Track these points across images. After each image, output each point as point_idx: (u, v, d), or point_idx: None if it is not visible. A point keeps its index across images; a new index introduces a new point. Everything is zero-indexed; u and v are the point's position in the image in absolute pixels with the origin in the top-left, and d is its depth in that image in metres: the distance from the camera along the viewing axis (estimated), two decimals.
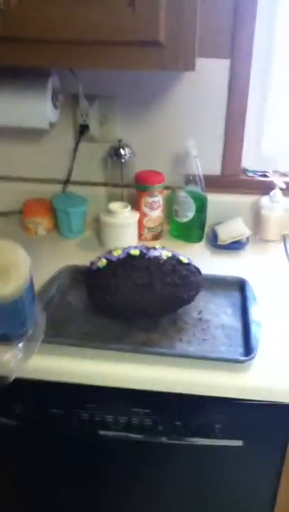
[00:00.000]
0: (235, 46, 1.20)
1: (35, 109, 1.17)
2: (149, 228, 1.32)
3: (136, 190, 1.29)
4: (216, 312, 1.02)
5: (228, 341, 0.93)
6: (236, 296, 1.07)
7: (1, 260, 0.68)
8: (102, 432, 0.91)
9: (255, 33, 1.19)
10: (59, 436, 0.95)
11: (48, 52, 0.95)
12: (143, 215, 1.29)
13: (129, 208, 1.25)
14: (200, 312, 1.01)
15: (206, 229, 1.33)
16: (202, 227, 1.32)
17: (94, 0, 0.88)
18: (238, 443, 0.89)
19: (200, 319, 0.99)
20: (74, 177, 1.36)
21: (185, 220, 1.30)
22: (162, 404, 0.89)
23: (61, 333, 0.93)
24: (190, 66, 0.95)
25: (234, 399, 0.85)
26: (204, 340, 0.93)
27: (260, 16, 1.17)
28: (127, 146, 1.29)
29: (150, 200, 1.28)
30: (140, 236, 1.31)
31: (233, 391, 0.85)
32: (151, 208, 1.29)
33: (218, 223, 1.33)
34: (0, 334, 0.74)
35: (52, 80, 1.19)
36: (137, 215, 1.27)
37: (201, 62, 1.17)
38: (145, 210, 1.29)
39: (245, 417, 0.88)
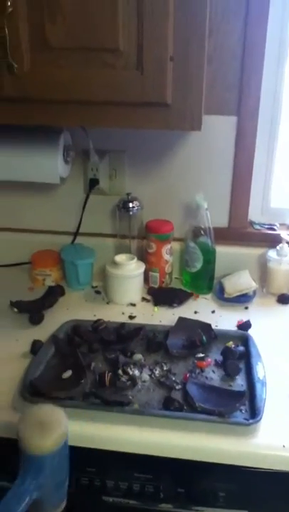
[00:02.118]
0: (242, 104, 1.24)
1: (47, 165, 1.20)
2: (169, 274, 1.33)
3: (151, 240, 1.30)
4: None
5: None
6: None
7: (45, 418, 0.75)
8: (102, 498, 0.87)
9: (262, 90, 1.22)
10: None
11: (59, 112, 0.98)
12: (165, 262, 1.31)
13: (135, 259, 1.26)
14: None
15: (214, 280, 1.32)
16: (211, 278, 1.32)
17: (103, 62, 0.93)
18: None
19: (205, 377, 0.97)
20: (83, 228, 1.38)
21: (194, 270, 1.30)
22: (164, 469, 0.86)
23: (64, 393, 0.90)
24: (196, 126, 0.98)
25: (239, 466, 0.82)
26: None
27: (266, 74, 1.21)
28: (136, 199, 1.32)
29: (169, 246, 1.30)
30: (161, 283, 1.32)
31: (238, 458, 0.82)
32: (170, 254, 1.32)
33: (226, 275, 1.32)
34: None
35: (63, 137, 1.23)
36: (142, 267, 1.27)
37: (208, 119, 1.21)
38: (166, 256, 1.31)
39: (251, 486, 0.84)
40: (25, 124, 1.06)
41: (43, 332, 1.11)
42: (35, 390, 0.91)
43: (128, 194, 1.32)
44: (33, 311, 1.18)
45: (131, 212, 1.31)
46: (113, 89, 0.94)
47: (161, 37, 0.90)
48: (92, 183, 1.34)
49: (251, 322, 1.15)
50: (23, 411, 0.78)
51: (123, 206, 1.32)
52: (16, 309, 1.19)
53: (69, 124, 1.22)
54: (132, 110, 0.96)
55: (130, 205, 1.31)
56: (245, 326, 1.14)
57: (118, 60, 0.92)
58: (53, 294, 1.25)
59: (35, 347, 1.05)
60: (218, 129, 1.26)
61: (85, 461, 0.88)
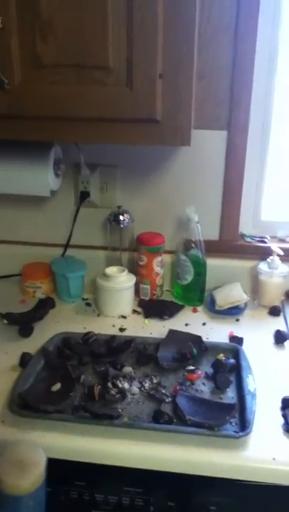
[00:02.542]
0: (232, 118, 1.25)
1: (38, 178, 1.21)
2: (160, 286, 1.33)
3: (142, 253, 1.30)
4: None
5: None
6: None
7: (25, 457, 0.74)
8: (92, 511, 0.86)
9: (252, 105, 1.24)
10: None
11: (50, 128, 1.00)
12: (156, 274, 1.31)
13: (126, 272, 1.26)
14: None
15: (206, 293, 1.33)
16: (202, 290, 1.32)
17: (94, 79, 0.94)
18: None
19: (196, 390, 0.97)
20: (74, 241, 1.39)
21: (185, 282, 1.31)
22: (155, 483, 0.85)
23: (53, 407, 0.89)
24: (186, 141, 0.99)
25: (230, 479, 0.81)
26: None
27: (256, 88, 1.23)
28: (127, 211, 1.32)
29: (160, 258, 1.31)
30: (152, 295, 1.32)
31: (229, 471, 0.81)
32: (161, 267, 1.32)
33: (217, 287, 1.32)
34: None
35: (54, 151, 1.23)
36: (133, 280, 1.27)
37: (199, 134, 1.23)
38: (157, 269, 1.31)
39: (242, 499, 0.84)
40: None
41: (32, 344, 1.10)
42: (24, 403, 0.90)
43: (119, 207, 1.33)
44: (23, 323, 1.17)
45: (122, 225, 1.32)
46: (104, 106, 0.95)
47: (151, 55, 0.92)
48: (83, 196, 1.35)
49: (242, 334, 1.16)
50: (3, 447, 0.76)
51: (114, 219, 1.32)
52: (5, 321, 1.18)
53: (61, 141, 1.23)
54: (122, 126, 0.98)
55: (121, 217, 1.31)
56: (237, 341, 1.14)
57: (108, 77, 0.94)
58: (44, 307, 1.25)
59: (25, 359, 1.04)
60: (208, 144, 1.28)
61: (74, 475, 0.87)
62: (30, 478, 0.71)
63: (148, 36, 0.90)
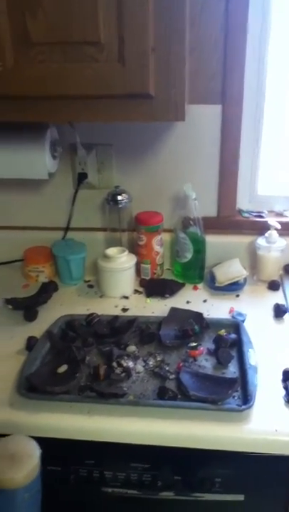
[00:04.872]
0: (226, 92, 1.24)
1: (35, 161, 1.20)
2: (160, 265, 1.34)
3: (141, 232, 1.30)
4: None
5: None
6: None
7: (17, 450, 0.74)
8: (101, 489, 0.89)
9: (245, 77, 1.22)
10: (57, 494, 0.92)
11: (44, 108, 0.99)
12: (156, 254, 1.32)
13: (126, 252, 1.27)
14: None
15: (205, 270, 1.34)
16: (201, 267, 1.33)
17: (85, 56, 0.93)
18: (240, 497, 0.86)
19: (199, 366, 0.99)
20: (73, 223, 1.39)
21: (184, 260, 1.32)
22: (161, 458, 0.87)
23: (60, 388, 0.91)
24: (180, 117, 0.98)
25: (234, 452, 0.84)
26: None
27: (249, 60, 1.21)
28: (124, 191, 1.32)
29: (159, 237, 1.31)
30: (153, 274, 1.33)
31: (233, 444, 0.84)
32: (161, 246, 1.33)
33: (217, 264, 1.33)
34: None
35: (50, 132, 1.23)
36: (134, 260, 1.28)
37: (193, 109, 1.21)
38: (157, 248, 1.31)
39: (246, 471, 0.86)
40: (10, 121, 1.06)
41: (37, 328, 1.12)
42: (31, 385, 0.92)
43: (116, 187, 1.32)
44: (28, 307, 1.19)
45: (120, 205, 1.32)
46: (96, 83, 0.94)
47: (142, 28, 0.89)
48: (81, 178, 1.34)
49: (242, 310, 1.17)
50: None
51: (112, 199, 1.32)
52: (10, 306, 1.20)
53: (55, 121, 1.22)
54: (115, 103, 0.96)
55: (119, 198, 1.31)
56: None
57: (100, 53, 0.92)
58: (47, 290, 1.26)
59: (30, 343, 1.06)
60: (203, 119, 1.26)
61: (83, 454, 0.89)
62: (24, 471, 0.71)
63: (138, 9, 0.88)
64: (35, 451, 0.74)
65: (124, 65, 0.92)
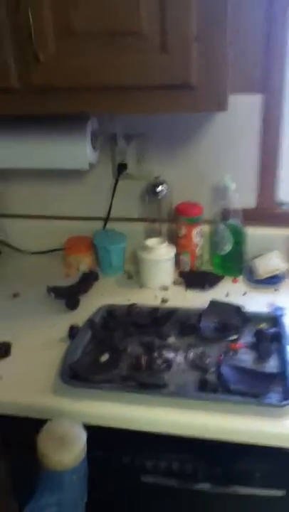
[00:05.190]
0: (267, 81, 1.21)
1: (76, 151, 1.22)
2: (199, 256, 1.34)
3: (181, 224, 1.30)
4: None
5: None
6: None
7: (64, 433, 0.77)
8: (142, 477, 0.91)
9: (287, 66, 1.19)
10: (98, 480, 0.94)
11: (86, 99, 0.99)
12: (195, 245, 1.32)
13: (166, 243, 1.27)
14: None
15: (245, 262, 1.32)
16: (241, 260, 1.32)
17: (128, 46, 0.92)
18: (280, 493, 0.87)
19: (239, 359, 0.99)
20: (113, 214, 1.40)
21: (224, 252, 1.31)
22: (201, 450, 0.89)
23: (102, 377, 0.94)
24: (223, 106, 0.97)
25: (273, 447, 0.84)
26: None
27: None
28: (164, 182, 1.32)
29: (198, 229, 1.31)
30: (192, 266, 1.34)
31: (273, 439, 0.84)
32: (200, 237, 1.33)
33: (255, 257, 1.32)
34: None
35: (91, 123, 1.23)
36: (173, 250, 1.28)
37: (233, 98, 1.18)
38: (196, 239, 1.32)
39: (287, 466, 0.86)
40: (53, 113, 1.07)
41: (79, 317, 1.14)
42: (74, 373, 0.95)
43: (156, 177, 1.32)
44: (70, 296, 1.22)
45: (160, 196, 1.32)
46: (138, 73, 0.93)
47: (184, 17, 0.88)
48: (121, 168, 1.35)
49: (282, 303, 1.16)
50: (45, 426, 0.80)
51: (152, 190, 1.32)
52: (53, 295, 1.23)
53: (97, 112, 1.22)
54: (157, 94, 0.96)
55: (159, 188, 1.31)
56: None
57: (142, 43, 0.92)
58: (88, 280, 1.29)
59: (73, 332, 1.08)
60: (243, 108, 1.24)
61: (125, 442, 0.92)
62: (73, 453, 0.74)
63: None
64: (82, 435, 0.77)
65: (167, 55, 0.91)
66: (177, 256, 1.31)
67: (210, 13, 0.89)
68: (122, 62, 0.93)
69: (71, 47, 0.94)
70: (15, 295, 1.28)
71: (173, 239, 1.34)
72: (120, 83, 0.95)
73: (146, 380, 0.92)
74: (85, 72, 0.95)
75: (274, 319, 1.09)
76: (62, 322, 1.13)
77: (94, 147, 1.27)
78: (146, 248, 1.26)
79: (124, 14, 0.90)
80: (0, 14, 0.92)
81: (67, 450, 0.75)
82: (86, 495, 0.80)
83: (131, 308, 1.14)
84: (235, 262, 1.31)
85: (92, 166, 1.30)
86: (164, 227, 1.36)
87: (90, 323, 1.10)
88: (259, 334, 1.03)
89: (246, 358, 1.00)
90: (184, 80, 0.93)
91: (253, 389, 0.89)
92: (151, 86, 0.95)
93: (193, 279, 1.29)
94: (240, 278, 1.31)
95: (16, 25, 0.93)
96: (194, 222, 1.30)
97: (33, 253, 1.48)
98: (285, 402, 0.86)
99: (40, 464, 0.76)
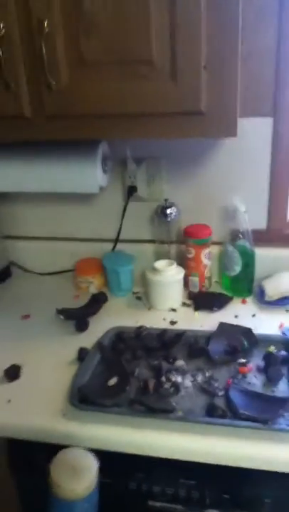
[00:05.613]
0: (278, 104, 1.22)
1: (86, 175, 1.24)
2: (208, 278, 1.34)
3: (190, 245, 1.31)
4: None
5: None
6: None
7: (77, 463, 0.77)
8: (150, 503, 0.90)
9: None
10: (105, 506, 0.93)
11: (97, 126, 1.01)
12: (204, 266, 1.33)
13: (175, 265, 1.28)
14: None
15: (254, 283, 1.32)
16: (250, 281, 1.32)
17: (138, 75, 0.94)
18: None
19: (248, 383, 0.98)
20: (123, 235, 1.42)
21: (233, 273, 1.31)
22: (209, 475, 0.87)
23: (111, 400, 0.94)
24: (232, 132, 0.98)
25: (284, 473, 0.83)
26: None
27: None
28: (173, 204, 1.34)
29: (207, 250, 1.32)
30: (201, 287, 1.34)
31: (283, 465, 0.82)
32: (209, 259, 1.33)
33: (266, 277, 1.32)
34: None
35: (101, 147, 1.26)
36: (182, 272, 1.29)
37: (244, 122, 1.21)
38: (205, 261, 1.32)
39: None
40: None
41: (88, 339, 1.15)
42: (83, 397, 0.95)
43: (166, 200, 1.34)
44: (79, 318, 1.22)
45: (169, 218, 1.33)
46: (149, 101, 0.95)
47: (194, 46, 0.90)
48: (131, 191, 1.37)
49: None
50: (57, 455, 0.80)
51: (161, 212, 1.34)
52: (62, 317, 1.24)
53: (108, 138, 1.25)
54: (168, 121, 0.98)
55: (168, 210, 1.33)
56: None
57: (153, 72, 0.94)
58: (97, 301, 1.29)
59: (82, 354, 1.09)
60: (254, 131, 1.26)
61: (132, 467, 0.91)
62: (85, 483, 0.74)
63: (191, 28, 0.89)
64: (94, 464, 0.77)
65: (177, 82, 0.93)
66: (186, 277, 1.32)
67: (220, 42, 0.90)
68: (133, 90, 0.95)
69: (83, 76, 0.96)
70: (24, 316, 1.29)
71: (182, 260, 1.35)
72: (131, 111, 0.97)
73: (154, 405, 0.92)
74: (96, 100, 0.97)
75: (284, 342, 1.08)
76: (71, 344, 1.14)
77: (104, 171, 1.29)
78: (155, 270, 1.27)
79: (135, 44, 0.92)
80: (14, 44, 0.95)
81: (79, 480, 0.75)
82: None
83: (139, 330, 1.15)
84: (244, 283, 1.31)
85: (102, 188, 1.32)
86: (173, 249, 1.38)
87: (99, 345, 1.10)
88: (268, 357, 1.02)
89: (255, 381, 0.99)
90: (194, 107, 0.95)
91: (263, 414, 0.88)
92: (162, 113, 0.96)
93: (202, 300, 1.29)
94: (250, 299, 1.30)
95: (29, 55, 0.96)
96: (203, 243, 1.31)
97: (43, 274, 1.50)
98: None
99: (51, 492, 0.76)
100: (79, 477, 0.75)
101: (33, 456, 0.96)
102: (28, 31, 0.94)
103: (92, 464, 0.77)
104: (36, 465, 0.96)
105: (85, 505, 0.76)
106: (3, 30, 0.94)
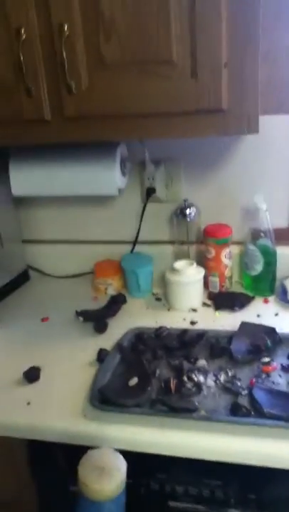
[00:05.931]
0: None
1: (106, 178, 1.24)
2: (228, 278, 1.33)
3: (210, 245, 1.30)
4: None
5: None
6: None
7: (106, 463, 0.76)
8: (171, 504, 0.88)
9: None
10: (127, 507, 0.91)
11: (118, 127, 1.01)
12: (224, 266, 1.31)
13: (194, 265, 1.27)
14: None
15: (276, 282, 1.30)
16: (272, 280, 1.30)
17: (158, 75, 0.94)
18: None
19: (272, 382, 0.96)
20: (142, 237, 1.41)
21: (254, 273, 1.29)
22: (234, 475, 0.85)
23: (132, 401, 0.92)
24: (254, 129, 0.97)
25: None
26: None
27: None
28: (192, 204, 1.33)
29: (228, 250, 1.30)
30: (221, 288, 1.32)
31: None
32: (230, 258, 1.32)
33: (288, 276, 1.29)
34: None
35: (120, 149, 1.26)
36: (202, 272, 1.27)
37: (264, 119, 1.18)
38: (225, 261, 1.31)
39: None
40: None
41: (107, 340, 1.14)
42: (104, 398, 0.93)
43: (185, 200, 1.33)
44: (98, 319, 1.22)
45: (188, 219, 1.32)
46: (170, 100, 0.95)
47: (215, 44, 0.90)
48: (149, 192, 1.37)
49: None
50: (85, 455, 0.79)
51: (180, 212, 1.33)
52: (81, 318, 1.23)
53: (128, 138, 1.25)
54: (189, 119, 0.97)
55: (187, 211, 1.32)
56: None
57: (173, 71, 0.93)
58: (116, 303, 1.28)
59: (102, 355, 1.08)
60: (275, 129, 1.24)
61: (155, 467, 0.89)
62: (113, 484, 0.73)
63: (211, 26, 0.88)
64: (122, 465, 0.76)
65: (197, 81, 0.93)
66: (206, 277, 1.30)
67: (240, 39, 0.90)
68: (154, 89, 0.95)
69: (103, 78, 0.96)
70: (44, 319, 1.29)
71: (202, 260, 1.33)
72: (152, 110, 0.96)
73: (176, 404, 0.90)
74: (117, 101, 0.97)
75: None
76: (91, 346, 1.13)
77: (123, 173, 1.29)
78: (174, 270, 1.26)
79: (155, 44, 0.92)
80: (35, 48, 0.96)
81: (107, 480, 0.74)
82: None
83: (159, 331, 1.13)
84: (266, 283, 1.29)
85: (121, 190, 1.32)
86: (193, 249, 1.36)
87: (119, 346, 1.09)
88: None
89: (280, 380, 0.97)
90: (215, 105, 0.94)
91: (288, 412, 0.85)
92: (183, 112, 0.96)
93: (223, 300, 1.27)
94: (272, 298, 1.28)
95: (49, 59, 0.96)
96: (223, 243, 1.29)
97: (61, 277, 1.50)
98: None
99: (80, 491, 0.75)
100: (107, 478, 0.73)
101: (54, 458, 0.95)
102: (49, 35, 0.95)
103: (120, 465, 0.76)
104: (57, 466, 0.95)
105: (112, 507, 0.74)
106: (24, 35, 0.95)
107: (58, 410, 0.95)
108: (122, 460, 0.77)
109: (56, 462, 0.94)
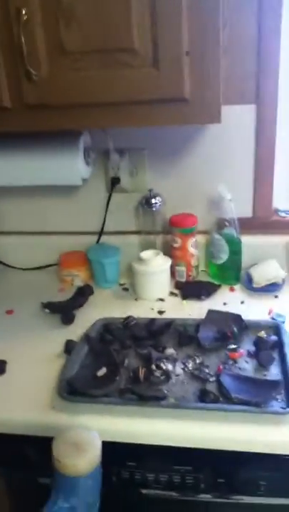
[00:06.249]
0: (260, 91, 1.22)
1: (69, 167, 1.22)
2: (195, 267, 1.34)
3: (176, 235, 1.30)
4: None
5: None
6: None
7: (80, 439, 0.77)
8: (144, 491, 0.89)
9: (280, 76, 1.20)
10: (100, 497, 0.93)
11: (79, 115, 0.99)
12: (191, 256, 1.31)
13: (161, 254, 1.27)
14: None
15: (242, 271, 1.32)
16: (238, 269, 1.32)
17: (120, 63, 0.93)
18: (287, 501, 0.84)
19: (239, 368, 0.98)
20: (107, 227, 1.40)
21: (220, 261, 1.31)
22: (204, 460, 0.86)
23: (100, 391, 0.92)
24: (216, 119, 0.97)
25: (279, 455, 0.82)
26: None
27: (284, 57, 1.19)
28: (158, 194, 1.32)
29: (194, 239, 1.31)
30: (188, 277, 1.33)
31: (277, 447, 0.82)
32: (196, 248, 1.32)
33: (253, 265, 1.32)
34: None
35: (83, 139, 1.24)
36: (169, 262, 1.28)
37: (227, 109, 1.19)
38: (192, 250, 1.31)
39: None
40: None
41: (75, 331, 1.13)
42: (72, 389, 0.93)
43: (150, 190, 1.33)
44: (65, 311, 1.20)
45: (154, 208, 1.32)
46: (131, 89, 0.94)
47: (176, 33, 0.89)
48: (114, 182, 1.35)
49: (282, 311, 1.15)
50: (59, 432, 0.79)
51: (146, 203, 1.33)
52: (47, 310, 1.21)
53: (90, 127, 1.23)
54: (150, 108, 0.96)
55: (153, 201, 1.32)
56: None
57: (134, 59, 0.92)
58: (83, 294, 1.27)
59: (69, 346, 1.07)
60: (237, 119, 1.25)
61: (125, 456, 0.89)
62: (88, 458, 0.74)
63: (172, 14, 0.88)
64: (97, 440, 0.76)
65: (159, 69, 0.92)
66: (173, 267, 1.31)
67: (202, 28, 0.89)
68: (115, 78, 0.94)
69: (64, 65, 0.94)
70: (8, 312, 1.26)
71: (168, 250, 1.33)
72: (114, 99, 0.95)
73: (145, 393, 0.90)
74: (78, 89, 0.95)
75: (274, 326, 1.08)
76: (58, 337, 1.11)
77: (87, 162, 1.27)
78: (141, 260, 1.25)
79: (116, 31, 0.90)
80: None
81: (81, 455, 0.74)
82: (99, 500, 0.79)
83: (127, 320, 1.13)
84: (231, 271, 1.31)
85: (85, 180, 1.30)
86: (159, 239, 1.36)
87: (87, 337, 1.08)
88: (259, 342, 1.01)
89: (247, 366, 0.99)
90: (177, 94, 0.93)
91: (255, 397, 0.87)
92: (145, 101, 0.95)
93: (190, 289, 1.28)
94: (238, 286, 1.30)
95: (8, 45, 0.93)
96: (189, 232, 1.30)
97: (26, 269, 1.47)
98: (288, 409, 0.84)
99: (54, 469, 0.75)
100: (81, 453, 0.74)
101: (23, 451, 0.93)
102: (6, 20, 0.91)
103: (95, 441, 0.76)
104: (26, 459, 0.93)
105: (88, 482, 0.75)
106: None
107: (25, 403, 0.93)
108: (97, 436, 0.78)
109: (25, 457, 0.93)
